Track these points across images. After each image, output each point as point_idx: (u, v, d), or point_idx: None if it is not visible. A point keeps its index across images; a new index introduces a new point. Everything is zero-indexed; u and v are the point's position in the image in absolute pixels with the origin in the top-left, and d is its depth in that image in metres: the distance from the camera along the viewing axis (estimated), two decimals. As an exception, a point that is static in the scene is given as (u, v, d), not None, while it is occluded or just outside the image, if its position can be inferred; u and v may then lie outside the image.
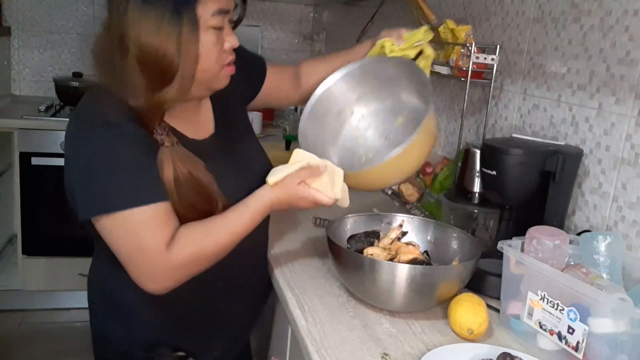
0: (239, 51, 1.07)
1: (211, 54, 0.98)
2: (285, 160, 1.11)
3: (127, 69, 0.93)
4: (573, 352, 0.91)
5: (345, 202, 1.09)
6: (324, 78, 1.29)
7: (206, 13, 0.95)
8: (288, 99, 1.42)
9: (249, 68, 1.28)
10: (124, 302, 1.10)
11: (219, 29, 0.98)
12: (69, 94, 2.85)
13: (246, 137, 1.24)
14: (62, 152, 1.02)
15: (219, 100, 1.16)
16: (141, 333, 1.11)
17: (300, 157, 1.07)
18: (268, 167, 1.12)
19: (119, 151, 0.95)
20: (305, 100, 1.31)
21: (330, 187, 1.06)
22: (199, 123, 1.13)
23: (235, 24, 1.06)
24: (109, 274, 1.10)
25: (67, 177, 1.00)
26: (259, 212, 1.04)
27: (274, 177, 1.04)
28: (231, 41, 1.01)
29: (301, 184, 1.05)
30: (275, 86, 1.34)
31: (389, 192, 1.86)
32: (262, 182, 1.06)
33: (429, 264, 1.13)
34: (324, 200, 1.05)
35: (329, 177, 1.06)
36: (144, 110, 0.95)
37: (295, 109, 2.88)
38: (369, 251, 1.13)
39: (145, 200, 0.94)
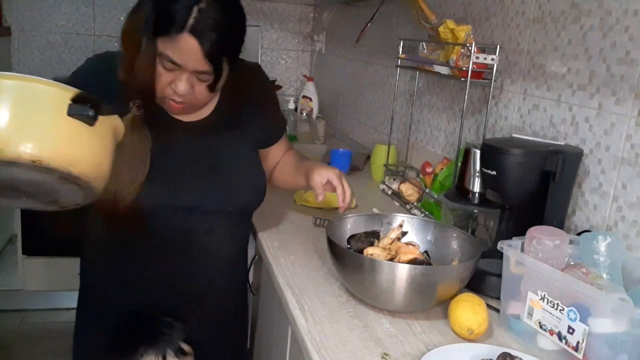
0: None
1: (160, 76, 1.07)
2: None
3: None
4: (573, 352, 0.91)
5: None
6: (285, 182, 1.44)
7: (162, 48, 1.04)
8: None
9: (274, 124, 1.39)
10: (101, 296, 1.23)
11: (170, 70, 1.06)
12: (69, 94, 2.85)
13: (238, 147, 1.26)
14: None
15: (231, 104, 1.24)
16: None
17: None
18: (245, 179, 1.23)
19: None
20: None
21: None
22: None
23: (209, 86, 1.11)
24: (89, 271, 1.25)
25: None
26: None
27: None
28: (176, 86, 1.08)
29: None
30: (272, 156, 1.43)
31: (389, 192, 1.86)
32: (227, 185, 1.18)
33: (429, 264, 1.13)
34: None
35: None
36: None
37: (296, 109, 2.88)
38: (369, 251, 1.13)
39: None
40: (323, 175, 1.28)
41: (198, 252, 1.21)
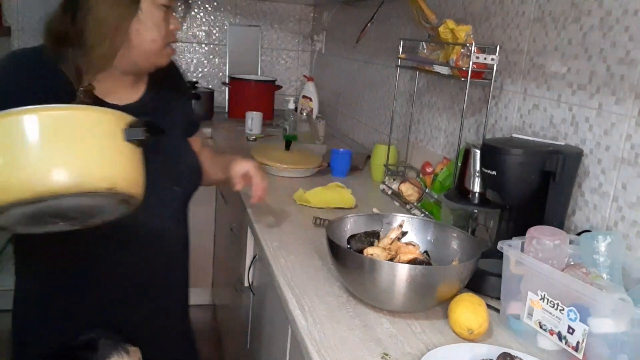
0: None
1: (160, 27, 1.13)
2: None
3: (76, 34, 1.07)
4: (573, 352, 0.91)
5: None
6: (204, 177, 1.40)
7: None
8: None
9: (192, 117, 1.44)
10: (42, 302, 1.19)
11: (168, 7, 1.13)
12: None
13: (173, 130, 1.28)
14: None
15: (159, 90, 1.28)
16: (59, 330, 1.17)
17: None
18: (184, 161, 1.26)
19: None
20: None
21: None
22: (124, 92, 1.21)
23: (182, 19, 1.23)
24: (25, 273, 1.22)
25: None
26: None
27: None
28: (175, 24, 1.17)
29: None
30: None
31: (389, 192, 1.86)
32: (162, 167, 1.16)
33: (429, 264, 1.13)
34: None
35: None
36: (81, 68, 1.09)
37: (296, 109, 2.88)
38: (369, 251, 1.13)
39: None
40: (242, 166, 1.37)
41: (146, 236, 1.20)
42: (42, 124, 0.78)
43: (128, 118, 0.87)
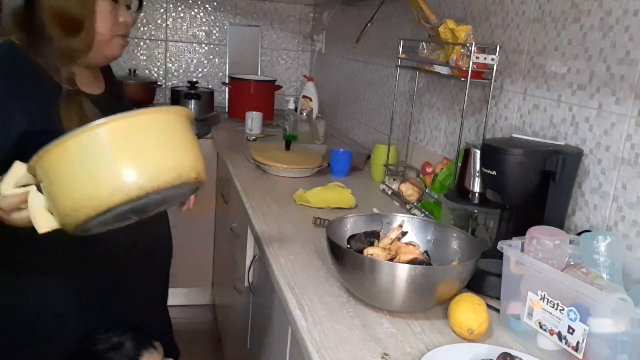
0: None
1: (107, 19, 1.15)
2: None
3: (40, 25, 1.10)
4: (573, 352, 0.91)
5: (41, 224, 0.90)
6: None
7: None
8: None
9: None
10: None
11: (115, 1, 1.16)
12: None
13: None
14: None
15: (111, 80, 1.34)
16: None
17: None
18: None
19: None
20: None
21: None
22: (91, 84, 1.26)
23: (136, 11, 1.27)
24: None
25: None
26: None
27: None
28: (125, 16, 1.20)
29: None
30: None
31: (389, 192, 1.86)
32: None
33: (429, 264, 1.13)
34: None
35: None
36: (54, 61, 1.12)
37: (296, 109, 2.88)
38: (369, 251, 1.13)
39: None
40: None
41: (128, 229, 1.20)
42: (141, 128, 0.86)
43: (192, 114, 0.95)
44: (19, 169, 0.89)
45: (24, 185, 0.89)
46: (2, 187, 0.89)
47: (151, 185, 0.83)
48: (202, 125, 0.88)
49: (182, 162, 0.88)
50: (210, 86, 3.38)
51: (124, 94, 1.47)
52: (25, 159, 0.87)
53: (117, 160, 0.83)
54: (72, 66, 1.16)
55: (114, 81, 1.39)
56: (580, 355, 0.90)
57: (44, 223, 0.88)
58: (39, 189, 0.88)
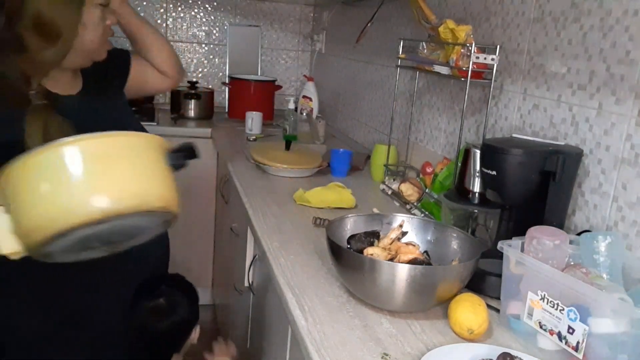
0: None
1: (98, 27, 1.17)
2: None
3: (12, 37, 1.07)
4: (573, 352, 0.91)
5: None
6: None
7: None
8: (156, 87, 1.60)
9: (117, 57, 1.46)
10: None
11: (105, 5, 1.17)
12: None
13: (118, 106, 1.38)
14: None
15: (92, 77, 1.32)
16: None
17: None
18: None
19: None
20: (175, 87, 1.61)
21: None
22: (66, 85, 1.26)
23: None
24: None
25: None
26: None
27: None
28: (111, 18, 1.22)
29: None
30: (140, 75, 1.52)
31: (389, 192, 1.86)
32: None
33: (429, 264, 1.13)
34: None
35: None
36: (25, 72, 1.10)
37: (296, 109, 2.88)
38: (369, 251, 1.13)
39: None
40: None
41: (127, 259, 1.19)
42: (105, 150, 0.83)
43: (167, 143, 0.92)
44: None
45: None
46: None
47: (111, 209, 0.80)
48: (178, 157, 0.87)
49: (148, 189, 0.85)
50: (210, 86, 3.38)
51: (115, 91, 1.42)
52: None
53: (78, 181, 0.80)
54: (45, 76, 1.15)
55: (96, 78, 1.34)
56: (580, 355, 0.90)
57: (7, 245, 0.83)
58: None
